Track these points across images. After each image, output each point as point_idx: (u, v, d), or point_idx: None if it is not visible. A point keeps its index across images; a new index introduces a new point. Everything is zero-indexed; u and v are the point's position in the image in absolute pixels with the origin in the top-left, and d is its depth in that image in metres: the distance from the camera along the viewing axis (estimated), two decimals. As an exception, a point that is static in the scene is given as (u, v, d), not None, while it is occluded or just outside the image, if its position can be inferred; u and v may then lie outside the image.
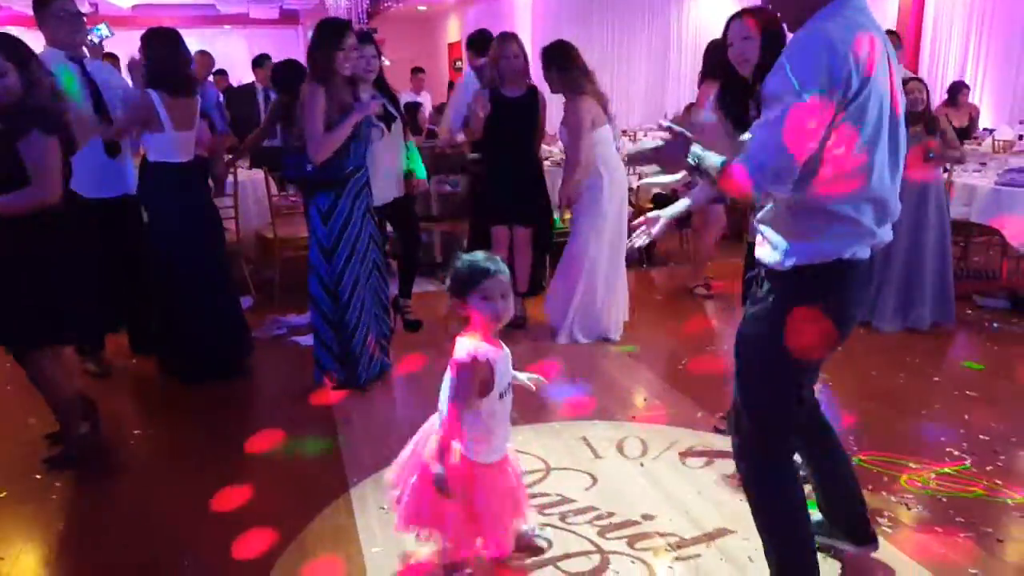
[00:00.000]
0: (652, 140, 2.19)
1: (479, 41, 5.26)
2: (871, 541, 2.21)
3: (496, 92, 4.28)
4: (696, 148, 1.78)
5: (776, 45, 2.22)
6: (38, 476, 2.91)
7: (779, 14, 1.84)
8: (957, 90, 7.51)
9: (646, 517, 2.53)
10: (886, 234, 1.80)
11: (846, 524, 2.20)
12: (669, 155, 1.86)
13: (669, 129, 1.86)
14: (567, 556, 2.33)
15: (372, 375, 3.68)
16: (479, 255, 2.09)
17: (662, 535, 2.42)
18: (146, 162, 3.68)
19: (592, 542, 2.40)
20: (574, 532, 2.45)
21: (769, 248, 1.81)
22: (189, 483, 2.86)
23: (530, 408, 3.28)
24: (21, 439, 3.21)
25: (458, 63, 14.89)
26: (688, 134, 1.82)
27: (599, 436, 3.12)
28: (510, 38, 4.30)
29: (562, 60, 4.14)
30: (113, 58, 6.09)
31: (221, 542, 2.44)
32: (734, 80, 2.54)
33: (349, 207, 3.49)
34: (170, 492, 2.80)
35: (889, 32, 4.19)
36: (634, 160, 1.96)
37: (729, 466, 2.82)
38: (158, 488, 2.84)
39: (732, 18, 2.56)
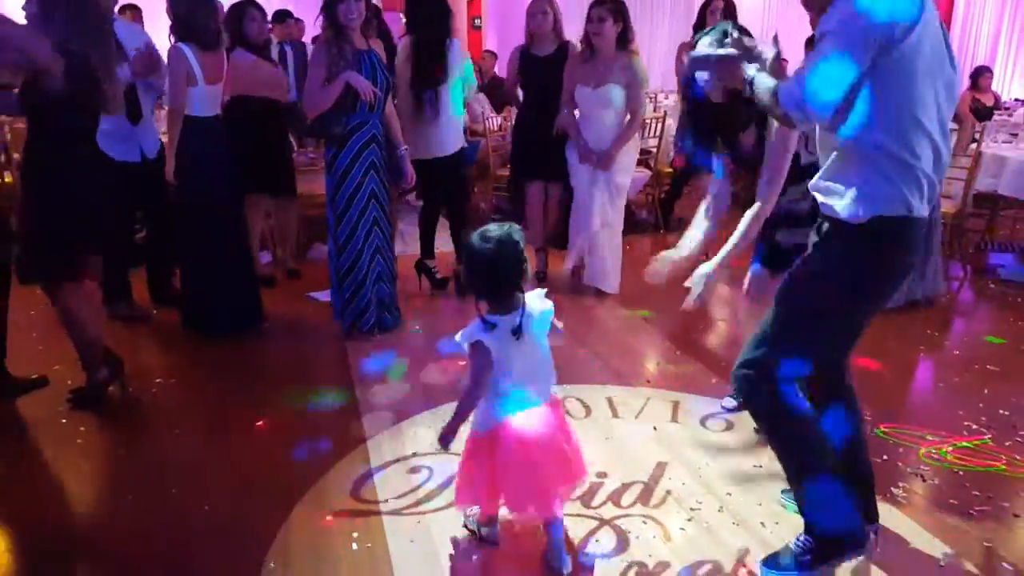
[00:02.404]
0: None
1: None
2: (874, 519, 2.21)
3: (526, 51, 4.40)
4: (751, 67, 1.90)
5: None
6: (63, 421, 2.97)
7: None
8: (979, 74, 7.57)
9: (659, 479, 2.54)
10: (938, 186, 1.84)
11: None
12: (729, 66, 1.95)
13: (739, 41, 1.95)
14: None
15: (366, 327, 3.74)
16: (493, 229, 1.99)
17: (675, 498, 2.44)
18: None
19: (599, 517, 2.42)
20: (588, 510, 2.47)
21: (838, 200, 1.84)
22: (208, 432, 2.91)
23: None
24: (39, 389, 3.26)
25: (477, 20, 14.65)
26: (754, 50, 1.95)
27: (614, 399, 3.13)
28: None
29: (625, 15, 4.16)
30: (135, 9, 5.97)
31: (240, 489, 2.49)
32: None
33: (348, 162, 3.56)
34: (190, 440, 2.84)
35: None
36: (696, 63, 1.97)
37: (746, 432, 2.83)
38: (178, 436, 2.88)
39: None
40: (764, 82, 1.87)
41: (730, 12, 4.71)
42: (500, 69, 9.44)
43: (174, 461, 2.69)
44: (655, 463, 2.64)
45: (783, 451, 2.03)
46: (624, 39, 4.13)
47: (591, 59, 4.18)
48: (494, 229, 1.98)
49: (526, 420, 2.03)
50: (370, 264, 3.69)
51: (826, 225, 1.91)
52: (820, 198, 1.90)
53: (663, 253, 2.60)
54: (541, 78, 4.37)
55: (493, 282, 1.99)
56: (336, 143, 3.57)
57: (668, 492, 2.47)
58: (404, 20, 4.30)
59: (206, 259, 3.76)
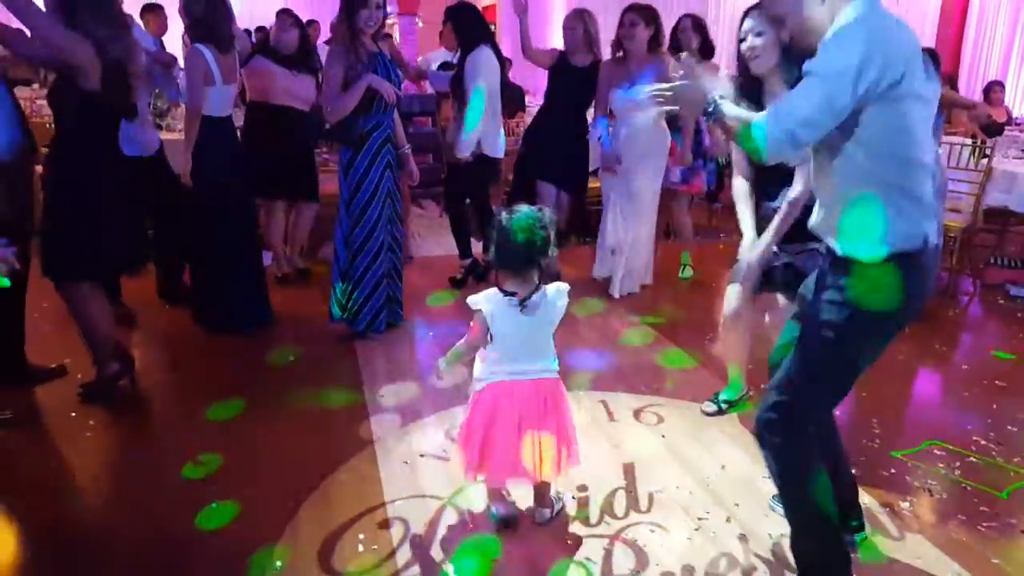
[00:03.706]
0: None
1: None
2: (859, 529, 2.25)
3: (564, 58, 4.52)
4: (715, 96, 1.85)
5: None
6: (73, 414, 2.99)
7: (807, 23, 1.81)
8: (991, 89, 7.59)
9: (667, 488, 2.54)
10: (941, 215, 1.84)
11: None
12: (689, 96, 1.89)
13: (689, 67, 1.91)
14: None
15: (377, 327, 3.76)
16: (529, 213, 2.13)
17: (682, 507, 2.44)
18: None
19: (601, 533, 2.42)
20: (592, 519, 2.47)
21: (854, 241, 1.80)
22: (216, 429, 2.92)
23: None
24: (57, 378, 3.28)
25: (492, 26, 14.69)
26: (706, 79, 1.90)
27: (621, 406, 3.13)
28: (572, 13, 4.51)
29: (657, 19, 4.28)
30: (157, 9, 5.81)
31: (247, 487, 2.50)
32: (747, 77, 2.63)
33: (367, 164, 3.59)
34: (197, 437, 2.85)
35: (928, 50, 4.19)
36: (656, 97, 1.96)
37: (751, 442, 2.83)
38: (185, 432, 2.90)
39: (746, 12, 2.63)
40: (731, 112, 1.84)
41: (701, 29, 4.63)
42: (514, 75, 9.49)
43: (180, 457, 2.69)
44: (662, 471, 2.64)
45: (789, 493, 2.02)
46: (656, 42, 4.24)
47: (623, 62, 4.28)
48: (527, 208, 2.14)
49: (501, 390, 2.18)
50: (384, 263, 3.72)
51: (843, 266, 1.85)
52: (830, 240, 1.87)
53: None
54: (572, 86, 4.49)
55: (516, 254, 2.10)
56: (354, 145, 3.59)
57: (677, 503, 2.47)
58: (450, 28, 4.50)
59: (218, 258, 3.78)
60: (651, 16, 4.21)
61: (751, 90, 2.59)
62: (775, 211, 2.65)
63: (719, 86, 2.10)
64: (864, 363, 1.90)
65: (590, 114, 4.57)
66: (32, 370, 3.20)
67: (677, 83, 1.91)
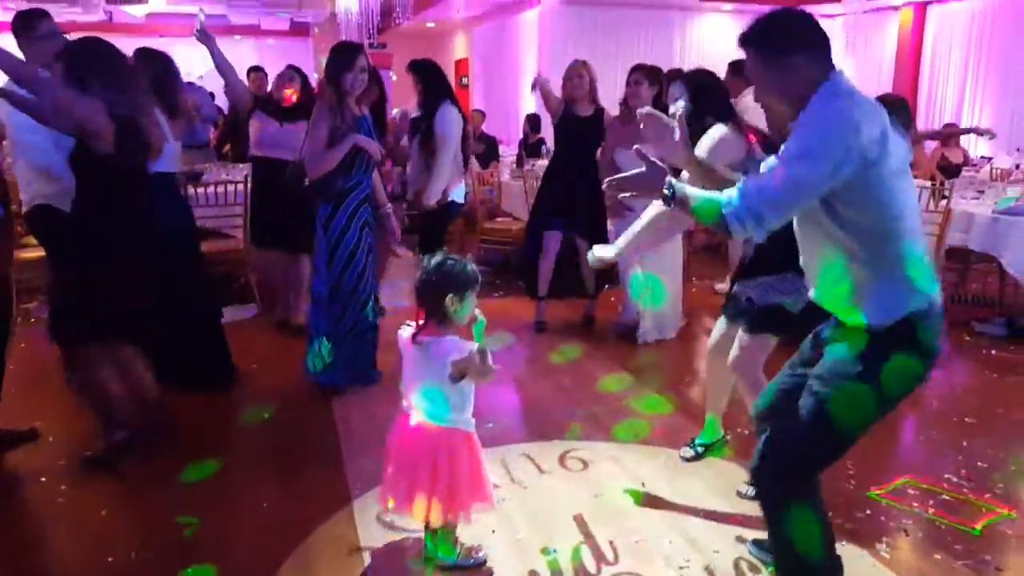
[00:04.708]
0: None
1: None
2: None
3: (568, 109, 4.68)
4: (671, 178, 1.84)
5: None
6: (43, 479, 2.93)
7: (777, 102, 1.87)
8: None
9: (645, 537, 2.55)
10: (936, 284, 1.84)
11: None
12: (646, 182, 1.89)
13: (643, 156, 1.91)
14: None
15: (359, 383, 3.77)
16: (451, 258, 2.29)
17: (663, 555, 2.45)
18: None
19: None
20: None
21: (859, 309, 1.81)
22: (192, 491, 2.87)
23: (531, 427, 3.31)
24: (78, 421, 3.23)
25: (464, 79, 15.00)
26: (661, 164, 1.89)
27: (601, 455, 3.15)
28: (576, 65, 4.66)
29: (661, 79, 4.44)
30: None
31: (225, 550, 2.47)
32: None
33: (346, 221, 3.63)
34: (174, 499, 2.80)
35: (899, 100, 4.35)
36: (612, 186, 2.00)
37: (729, 488, 2.85)
38: (161, 495, 2.85)
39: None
40: (692, 192, 1.83)
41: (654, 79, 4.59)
42: (488, 127, 9.67)
43: (156, 521, 2.65)
44: (641, 519, 2.65)
45: (780, 546, 2.02)
46: (660, 101, 4.33)
47: (628, 121, 4.36)
48: (446, 255, 2.28)
49: (401, 420, 2.33)
50: (364, 317, 3.73)
51: (853, 334, 1.85)
52: (834, 310, 1.89)
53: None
54: (577, 135, 4.67)
55: (417, 292, 2.29)
56: (333, 202, 3.63)
57: (657, 552, 2.47)
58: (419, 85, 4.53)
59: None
60: (655, 76, 4.40)
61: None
62: (754, 248, 2.70)
63: (686, 157, 2.11)
64: (870, 426, 1.87)
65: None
66: (1, 434, 3.14)
67: (631, 174, 1.91)
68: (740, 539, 2.52)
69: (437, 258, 2.26)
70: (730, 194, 1.76)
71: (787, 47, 1.78)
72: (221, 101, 8.05)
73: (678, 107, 2.39)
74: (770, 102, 1.88)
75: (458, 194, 4.68)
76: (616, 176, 1.95)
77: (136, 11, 11.58)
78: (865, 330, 1.82)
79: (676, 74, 3.74)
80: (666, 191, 1.82)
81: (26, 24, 3.47)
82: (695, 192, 1.84)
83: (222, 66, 4.31)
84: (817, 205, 1.76)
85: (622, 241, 2.70)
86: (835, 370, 1.85)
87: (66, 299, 2.93)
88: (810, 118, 1.74)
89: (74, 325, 2.92)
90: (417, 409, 2.28)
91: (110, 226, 2.91)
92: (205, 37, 4.12)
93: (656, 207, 2.55)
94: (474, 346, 2.18)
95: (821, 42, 1.80)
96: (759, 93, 1.89)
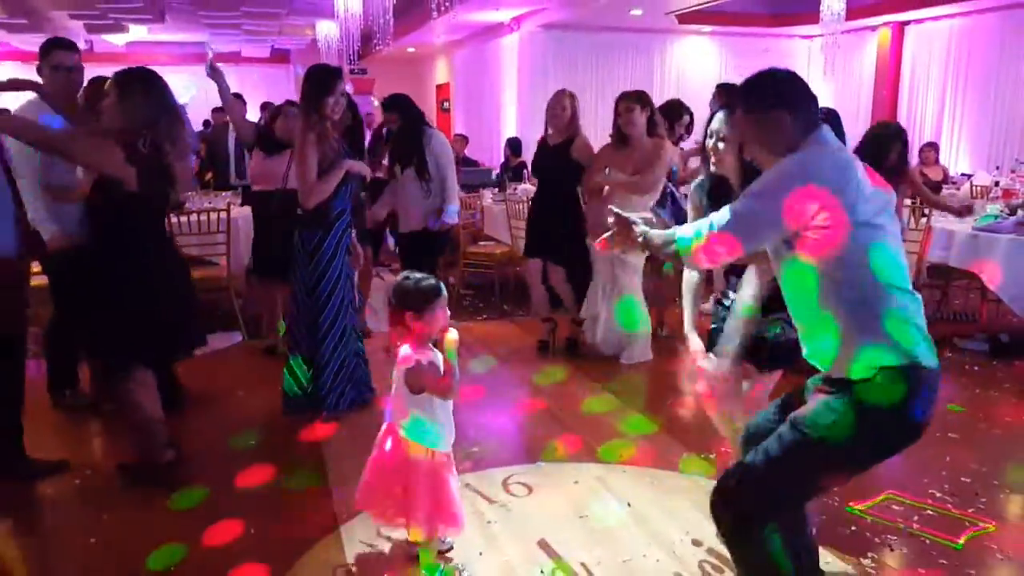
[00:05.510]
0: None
1: None
2: None
3: (543, 139, 4.79)
4: (640, 227, 2.03)
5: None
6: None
7: (763, 155, 1.95)
8: (924, 150, 7.97)
9: (632, 557, 2.54)
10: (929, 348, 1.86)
11: None
12: (623, 242, 2.08)
13: (616, 215, 2.08)
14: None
15: (343, 407, 3.75)
16: (420, 275, 2.41)
17: (649, 575, 2.44)
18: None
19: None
20: None
21: (848, 363, 1.83)
22: (180, 518, 2.84)
23: (517, 449, 3.30)
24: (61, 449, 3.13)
25: (445, 103, 15.12)
26: (627, 217, 2.07)
27: (586, 476, 3.14)
28: (561, 94, 4.63)
29: (651, 104, 4.48)
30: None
31: (209, 580, 2.43)
32: None
33: (334, 247, 3.63)
34: (161, 527, 2.77)
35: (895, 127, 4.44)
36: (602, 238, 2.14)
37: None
38: (148, 523, 2.81)
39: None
40: (657, 235, 2.00)
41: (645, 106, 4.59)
42: (470, 151, 9.74)
43: (144, 549, 2.61)
44: (629, 541, 2.65)
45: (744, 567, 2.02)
46: (652, 124, 4.39)
47: (623, 148, 4.41)
48: (407, 277, 2.40)
49: (383, 439, 2.45)
50: (349, 343, 3.73)
51: (844, 388, 1.85)
52: (819, 364, 1.91)
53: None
54: (548, 164, 4.72)
55: (388, 317, 2.42)
56: (322, 229, 3.61)
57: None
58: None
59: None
60: (645, 100, 4.41)
61: (716, 188, 2.53)
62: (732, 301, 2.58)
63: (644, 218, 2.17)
64: (844, 472, 1.93)
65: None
66: (32, 463, 3.11)
67: (611, 233, 2.08)
68: (727, 558, 2.51)
69: (399, 276, 2.42)
70: (688, 228, 1.94)
71: (771, 104, 1.88)
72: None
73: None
74: (756, 155, 1.97)
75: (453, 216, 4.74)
76: (602, 236, 2.11)
77: (117, 40, 11.59)
78: (844, 383, 1.83)
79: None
80: (639, 239, 2.02)
81: (44, 52, 3.52)
82: (659, 234, 2.02)
83: (228, 102, 4.33)
84: (798, 262, 1.82)
85: (692, 334, 2.59)
86: (810, 418, 1.86)
87: (108, 326, 2.94)
88: (777, 164, 1.84)
89: (120, 351, 2.96)
90: (396, 425, 2.36)
91: (144, 255, 2.95)
92: (215, 73, 4.15)
93: (690, 279, 2.68)
94: (428, 357, 2.29)
95: (803, 100, 1.89)
96: (747, 147, 2.02)
